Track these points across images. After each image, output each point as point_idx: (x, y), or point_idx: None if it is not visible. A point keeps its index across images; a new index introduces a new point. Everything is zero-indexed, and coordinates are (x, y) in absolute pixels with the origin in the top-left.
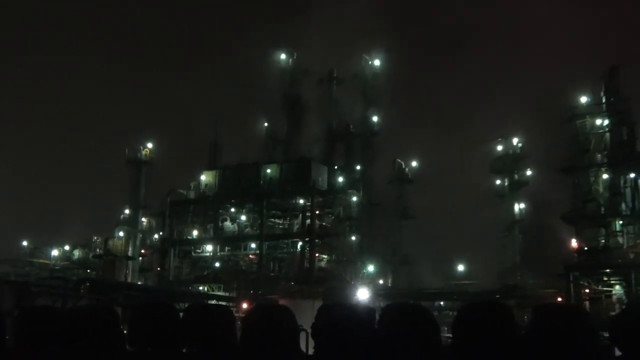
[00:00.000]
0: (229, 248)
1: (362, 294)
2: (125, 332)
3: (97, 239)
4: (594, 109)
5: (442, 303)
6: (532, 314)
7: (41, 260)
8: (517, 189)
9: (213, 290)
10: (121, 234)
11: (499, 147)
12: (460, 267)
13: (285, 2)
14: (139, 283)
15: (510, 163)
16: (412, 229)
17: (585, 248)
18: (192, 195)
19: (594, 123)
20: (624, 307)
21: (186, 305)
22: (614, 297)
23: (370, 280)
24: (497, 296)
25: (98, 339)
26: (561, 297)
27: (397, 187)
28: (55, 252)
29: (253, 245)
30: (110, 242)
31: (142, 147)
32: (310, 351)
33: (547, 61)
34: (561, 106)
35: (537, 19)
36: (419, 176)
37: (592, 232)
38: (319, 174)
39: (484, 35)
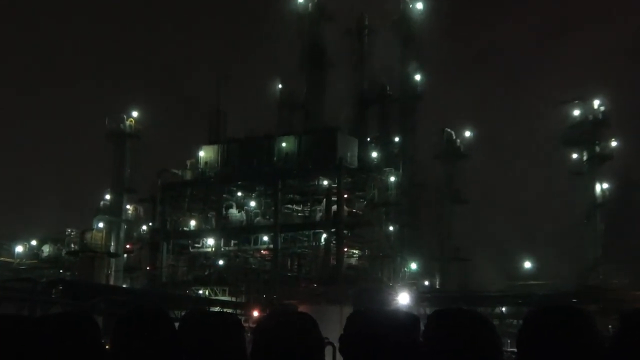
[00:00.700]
0: (236, 242)
1: (403, 298)
2: (107, 346)
3: (72, 231)
4: None
5: (503, 309)
6: (618, 322)
7: (2, 258)
8: (598, 165)
9: (216, 295)
10: (101, 225)
11: (576, 112)
12: (527, 264)
13: None
14: (124, 286)
15: (589, 132)
16: (466, 217)
17: None
18: (189, 175)
19: None
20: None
21: (182, 313)
22: None
23: (412, 281)
24: (574, 300)
25: (73, 355)
26: None
27: (447, 163)
28: (19, 249)
29: (265, 238)
30: (88, 236)
31: (126, 117)
32: None
33: None
34: None
35: None
36: (474, 150)
37: None
38: (348, 148)
39: None
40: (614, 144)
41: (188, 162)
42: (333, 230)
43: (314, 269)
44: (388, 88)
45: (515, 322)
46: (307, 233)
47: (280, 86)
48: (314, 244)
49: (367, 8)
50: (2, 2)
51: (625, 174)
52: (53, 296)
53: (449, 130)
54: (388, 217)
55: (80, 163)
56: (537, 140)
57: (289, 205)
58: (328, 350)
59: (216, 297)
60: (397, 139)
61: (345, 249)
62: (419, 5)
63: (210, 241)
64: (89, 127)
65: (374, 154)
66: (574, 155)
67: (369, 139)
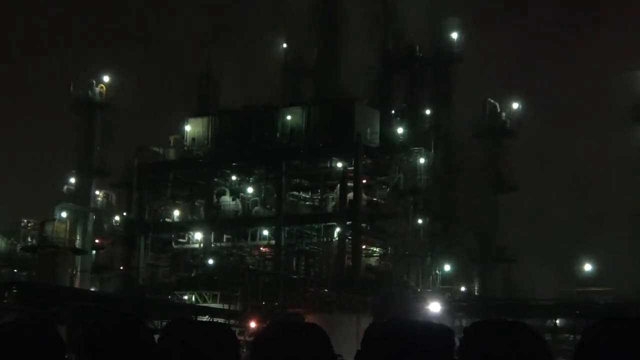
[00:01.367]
0: (229, 237)
1: (434, 307)
2: None
3: (29, 222)
4: None
5: (557, 321)
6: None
7: None
8: None
9: (205, 301)
10: (64, 214)
11: None
12: (587, 267)
13: None
14: (92, 289)
15: None
16: (513, 208)
17: None
18: (172, 155)
19: None
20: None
21: (164, 324)
22: None
23: (445, 287)
24: None
25: None
26: None
27: (490, 142)
28: None
29: (266, 233)
30: (49, 228)
31: (95, 83)
32: None
33: None
34: None
35: None
36: (523, 125)
37: None
38: (367, 123)
39: None
40: None
41: (171, 139)
42: (349, 223)
43: (325, 270)
44: (418, 48)
45: (571, 337)
46: (316, 226)
47: (285, 46)
48: (325, 239)
49: None
50: None
51: None
52: (5, 301)
53: (492, 101)
54: (416, 207)
55: (41, 141)
56: (602, 115)
57: (295, 192)
58: None
59: (205, 304)
60: (428, 112)
61: (364, 247)
62: None
63: (198, 235)
64: (53, 99)
65: (400, 130)
66: None
67: (393, 112)
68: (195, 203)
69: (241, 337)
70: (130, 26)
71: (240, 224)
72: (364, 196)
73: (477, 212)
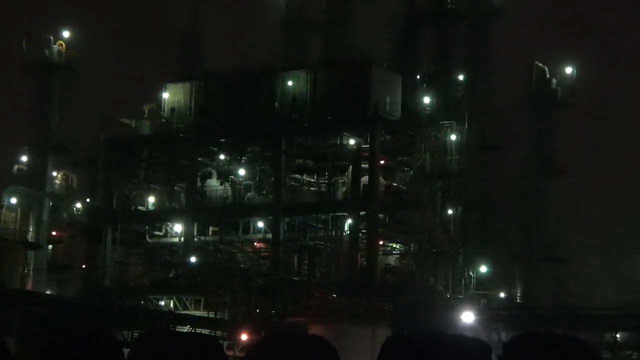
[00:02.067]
0: (216, 229)
1: (467, 317)
2: None
3: None
4: None
5: (618, 335)
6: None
7: None
8: None
9: (186, 308)
10: (14, 200)
11: None
12: None
13: None
14: (49, 292)
15: None
16: (565, 196)
17: None
18: (147, 128)
19: None
20: None
21: (136, 335)
22: None
23: (481, 292)
24: None
25: None
26: None
27: (537, 115)
28: None
29: (261, 225)
30: None
31: (53, 39)
32: None
33: None
34: None
35: None
36: (578, 96)
37: None
38: (387, 90)
39: None
40: None
41: (146, 108)
42: (363, 213)
43: (334, 271)
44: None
45: (635, 354)
46: (323, 217)
47: None
48: (333, 233)
49: None
50: None
51: None
52: None
53: (540, 65)
54: (446, 194)
55: None
56: None
57: (297, 175)
58: None
59: (186, 312)
60: (461, 78)
61: (381, 242)
62: None
63: (178, 227)
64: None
65: (427, 100)
66: None
67: (418, 77)
68: (175, 187)
69: (230, 352)
70: None
71: (229, 214)
72: (382, 180)
73: (520, 201)
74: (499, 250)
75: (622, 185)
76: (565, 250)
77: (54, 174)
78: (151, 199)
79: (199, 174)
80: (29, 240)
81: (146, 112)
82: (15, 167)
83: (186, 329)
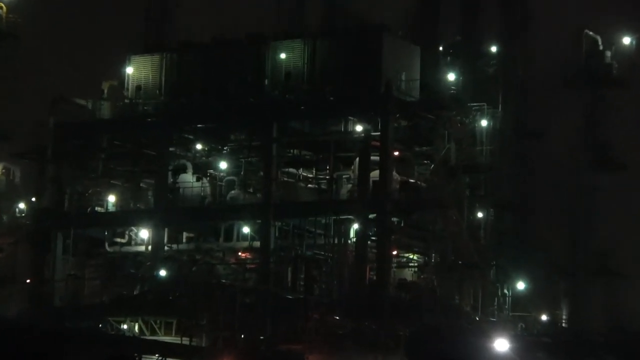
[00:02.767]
0: (192, 235)
1: (500, 345)
2: None
3: None
4: None
5: None
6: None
7: None
8: None
9: (155, 332)
10: None
11: None
12: None
13: None
14: None
15: None
16: (623, 197)
17: None
18: (106, 110)
19: None
20: None
21: None
22: None
23: (518, 313)
24: None
25: None
26: None
27: (588, 95)
28: None
29: (247, 230)
30: None
31: None
32: None
33: None
34: None
35: None
36: (638, 72)
37: None
38: (402, 65)
39: None
40: None
41: (105, 86)
42: (372, 216)
43: (336, 287)
44: None
45: None
46: (323, 221)
47: None
48: (336, 240)
49: None
50: None
51: None
52: None
53: (592, 34)
54: (475, 193)
55: None
56: None
57: (292, 169)
58: None
59: (154, 337)
60: (494, 49)
61: (395, 252)
62: None
63: (145, 233)
64: None
65: (451, 76)
66: None
67: (441, 49)
68: (141, 184)
69: None
70: None
71: (208, 216)
72: (396, 175)
73: (567, 201)
74: (539, 262)
75: None
76: (621, 262)
77: None
78: (112, 198)
79: (171, 167)
80: None
81: (106, 91)
82: None
83: (154, 358)
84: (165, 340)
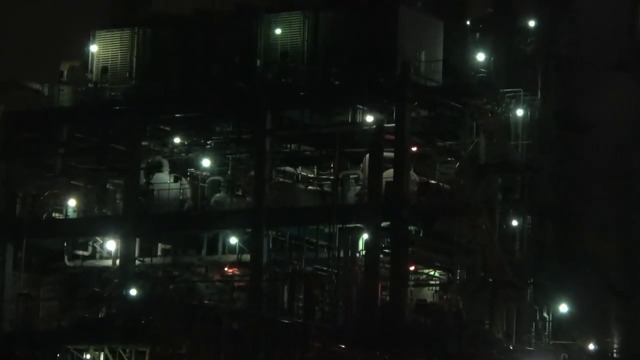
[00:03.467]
0: (169, 247)
1: None
2: None
3: None
4: None
5: None
6: None
7: None
8: None
9: None
10: None
11: None
12: None
13: None
14: None
15: None
16: None
17: None
18: (66, 97)
19: None
20: None
21: None
22: None
23: (560, 342)
24: None
25: None
26: None
27: None
28: None
29: (235, 241)
30: None
31: None
32: None
33: None
34: None
35: None
36: None
37: None
38: (421, 42)
39: None
40: None
41: (65, 68)
42: (386, 224)
43: (342, 310)
44: None
45: None
46: (327, 230)
47: None
48: (341, 254)
49: None
50: None
51: None
52: None
53: None
54: (510, 197)
55: None
56: None
57: (289, 169)
58: None
59: None
60: (532, 24)
61: (412, 268)
62: None
63: (112, 244)
64: None
65: (481, 57)
66: None
67: (469, 23)
68: (108, 185)
69: None
70: None
71: (188, 224)
72: (414, 176)
73: (622, 207)
74: (587, 280)
75: None
76: None
77: None
78: (72, 202)
79: (144, 165)
80: None
81: (65, 73)
82: None
83: None
84: None
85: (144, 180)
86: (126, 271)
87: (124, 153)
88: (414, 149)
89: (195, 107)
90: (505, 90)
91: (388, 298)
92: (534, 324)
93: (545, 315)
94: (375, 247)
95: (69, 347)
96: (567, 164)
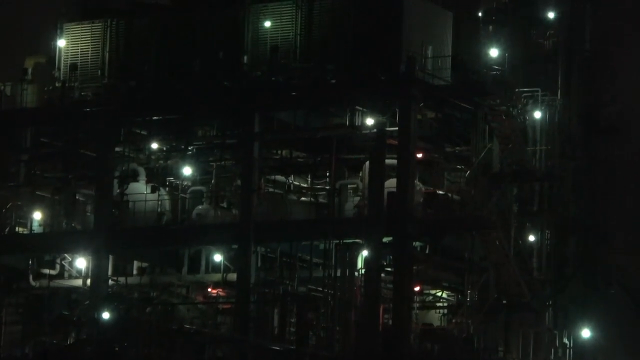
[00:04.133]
0: (146, 264)
1: None
2: None
3: None
4: None
5: None
6: None
7: None
8: None
9: None
10: None
11: None
12: None
13: None
14: None
15: None
16: None
17: None
18: (30, 97)
19: None
20: None
21: None
22: None
23: None
24: None
25: None
26: None
27: None
28: None
29: (219, 258)
30: None
31: None
32: None
33: None
34: None
35: None
36: None
37: None
38: (428, 34)
39: None
40: None
41: (29, 64)
42: (388, 239)
43: (340, 335)
44: None
45: None
46: (322, 246)
47: None
48: (338, 273)
49: None
50: None
51: None
52: None
53: None
54: (527, 209)
55: None
56: None
57: (279, 177)
58: None
59: None
60: (551, 15)
61: (418, 288)
62: None
63: (82, 262)
64: None
65: (494, 52)
66: None
67: (481, 15)
68: (77, 196)
69: None
70: None
71: (167, 240)
72: (420, 185)
73: None
74: (614, 301)
75: None
76: None
77: None
78: (37, 215)
79: (117, 173)
80: None
81: (30, 70)
82: None
83: None
84: None
85: (118, 191)
86: (98, 292)
87: (95, 160)
88: (420, 155)
89: (175, 108)
90: (521, 89)
91: (390, 322)
92: (552, 350)
93: (565, 341)
94: (376, 265)
95: None
96: (592, 172)
